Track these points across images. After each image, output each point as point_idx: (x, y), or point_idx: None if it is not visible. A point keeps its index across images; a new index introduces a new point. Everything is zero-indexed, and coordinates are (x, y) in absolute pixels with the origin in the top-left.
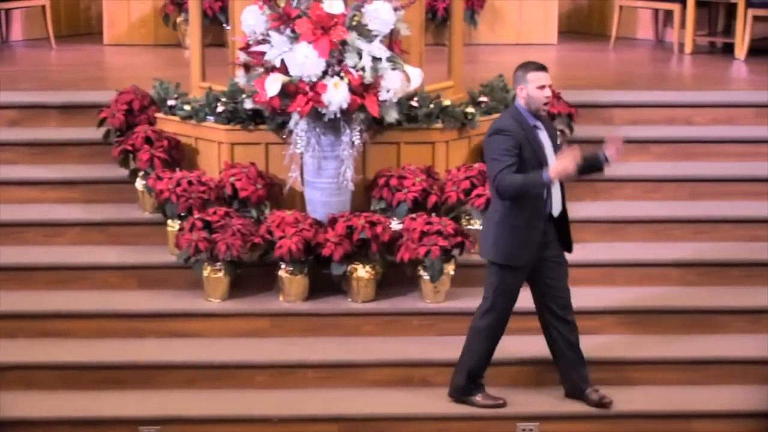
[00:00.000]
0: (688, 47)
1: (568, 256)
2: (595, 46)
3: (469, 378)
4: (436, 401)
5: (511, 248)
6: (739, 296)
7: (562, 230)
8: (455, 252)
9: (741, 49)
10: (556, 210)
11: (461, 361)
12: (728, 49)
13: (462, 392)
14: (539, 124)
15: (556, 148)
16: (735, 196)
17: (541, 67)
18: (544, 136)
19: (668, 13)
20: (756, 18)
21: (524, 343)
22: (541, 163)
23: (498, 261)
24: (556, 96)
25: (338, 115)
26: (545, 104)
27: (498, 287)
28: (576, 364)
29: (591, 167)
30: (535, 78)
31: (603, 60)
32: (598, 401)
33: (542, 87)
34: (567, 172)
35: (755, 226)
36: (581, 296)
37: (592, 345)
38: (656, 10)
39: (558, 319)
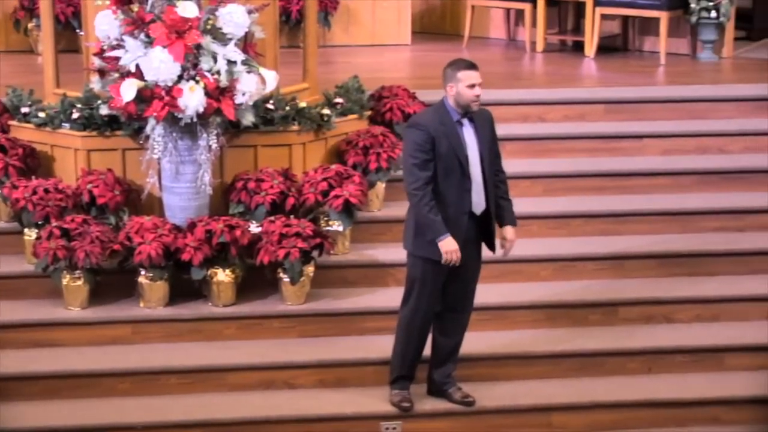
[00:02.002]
0: (540, 46)
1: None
2: (448, 46)
3: (392, 369)
4: (299, 403)
5: (421, 236)
6: (594, 290)
7: (484, 229)
8: (314, 253)
9: (590, 47)
10: (478, 208)
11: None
12: (578, 47)
13: (390, 381)
14: (465, 121)
15: (488, 146)
16: (586, 191)
17: (472, 66)
18: (469, 133)
19: (519, 13)
20: (604, 16)
21: (386, 342)
22: (459, 158)
23: (418, 254)
24: (412, 96)
25: (195, 120)
26: (475, 102)
27: (417, 279)
28: (442, 364)
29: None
30: (465, 76)
31: None
32: (461, 400)
33: (472, 86)
34: (449, 257)
35: (606, 221)
36: None
37: None
38: (508, 10)
39: (443, 316)
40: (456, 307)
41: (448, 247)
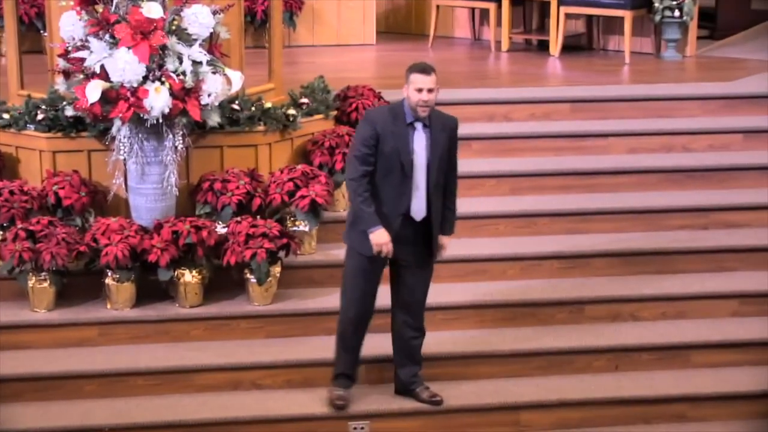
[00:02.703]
0: (505, 45)
1: None
2: (413, 46)
3: (334, 366)
4: (267, 403)
5: (363, 235)
6: (560, 288)
7: (427, 235)
8: (281, 254)
9: (555, 46)
10: (417, 214)
11: None
12: (543, 46)
13: (332, 377)
14: (419, 125)
15: (439, 154)
16: (552, 190)
17: (424, 70)
18: (420, 138)
19: (484, 12)
20: (568, 15)
21: None
22: (402, 161)
23: (354, 247)
24: (377, 96)
25: (160, 120)
26: (421, 107)
27: (348, 272)
28: (406, 364)
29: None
30: (414, 79)
31: (422, 59)
32: (428, 399)
33: (419, 90)
34: (379, 249)
35: (572, 219)
36: None
37: None
38: (472, 9)
39: (401, 318)
40: (408, 309)
41: (378, 239)
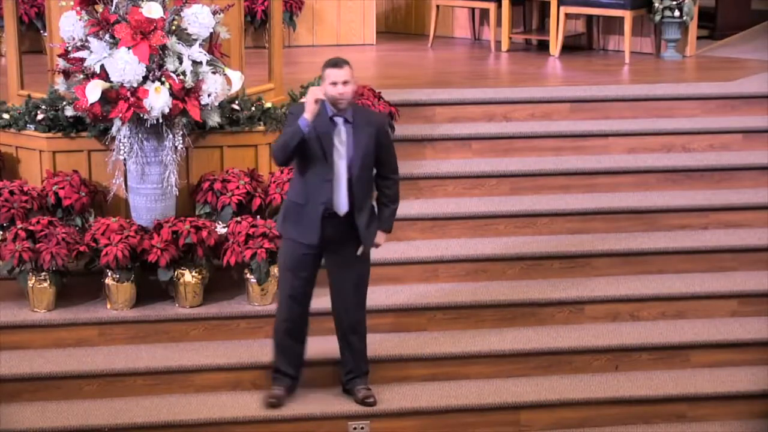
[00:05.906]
0: (505, 45)
1: (392, 254)
2: (413, 46)
3: (273, 361)
4: None
5: (286, 219)
6: (560, 288)
7: (353, 231)
8: None
9: (555, 46)
10: (339, 208)
11: None
12: (543, 46)
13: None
14: (339, 120)
15: (363, 152)
16: (552, 190)
17: (337, 64)
18: (342, 131)
19: (484, 12)
20: (568, 15)
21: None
22: (324, 148)
23: (285, 234)
24: (377, 96)
25: (160, 120)
26: (339, 100)
27: (281, 267)
28: (344, 363)
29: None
30: (328, 74)
31: (422, 59)
32: (361, 400)
33: (334, 83)
34: (312, 100)
35: (572, 219)
36: (407, 293)
37: (420, 341)
38: (472, 9)
39: (338, 320)
40: (342, 311)
41: (310, 96)
